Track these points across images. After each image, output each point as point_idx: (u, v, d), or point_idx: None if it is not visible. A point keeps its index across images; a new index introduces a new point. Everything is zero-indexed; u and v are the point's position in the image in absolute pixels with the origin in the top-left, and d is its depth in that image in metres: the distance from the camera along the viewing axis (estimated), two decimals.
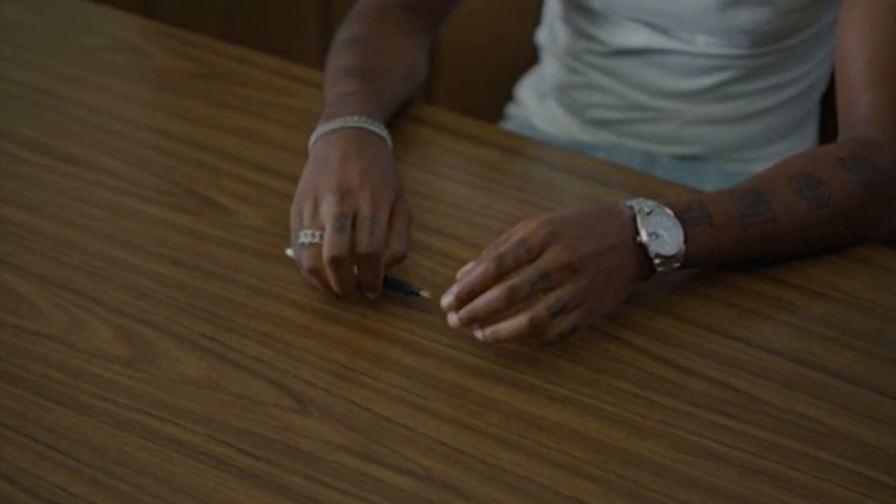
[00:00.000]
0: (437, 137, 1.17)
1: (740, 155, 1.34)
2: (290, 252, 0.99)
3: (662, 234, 0.94)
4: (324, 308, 0.96)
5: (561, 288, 0.90)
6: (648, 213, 0.94)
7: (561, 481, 0.84)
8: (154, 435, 0.86)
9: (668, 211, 0.95)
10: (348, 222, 0.94)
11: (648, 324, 0.96)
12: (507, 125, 1.44)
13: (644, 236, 0.94)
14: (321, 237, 0.94)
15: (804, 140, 1.36)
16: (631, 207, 0.95)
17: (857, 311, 0.99)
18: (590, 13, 1.31)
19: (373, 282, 0.95)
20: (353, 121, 1.02)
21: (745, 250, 0.98)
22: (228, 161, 1.12)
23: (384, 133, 1.04)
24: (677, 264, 0.95)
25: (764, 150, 1.33)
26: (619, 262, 0.93)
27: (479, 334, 0.91)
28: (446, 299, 0.91)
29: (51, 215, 1.05)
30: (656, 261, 0.94)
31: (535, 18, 1.43)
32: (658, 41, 1.27)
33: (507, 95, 1.49)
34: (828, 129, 1.38)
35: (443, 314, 0.92)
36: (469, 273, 0.91)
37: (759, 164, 1.30)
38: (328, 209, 0.95)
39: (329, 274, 0.94)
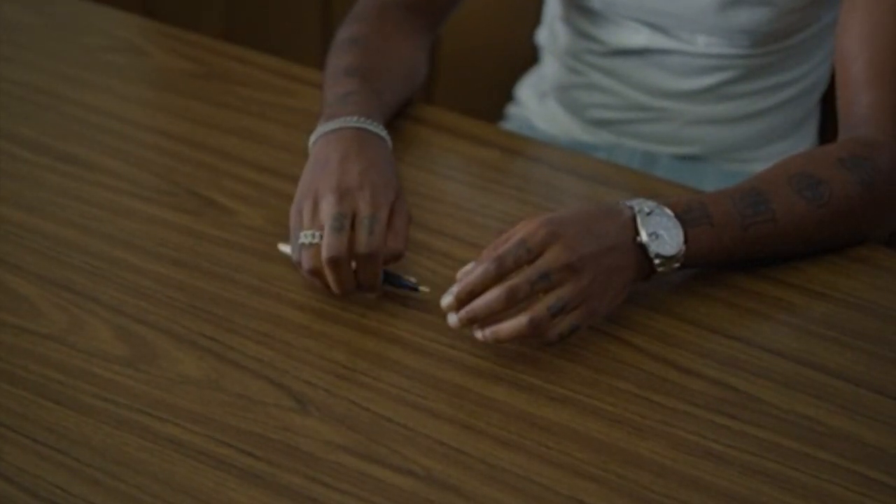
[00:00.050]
0: (437, 137, 1.17)
1: (740, 155, 1.34)
2: (283, 247, 0.99)
3: (662, 235, 0.94)
4: (324, 308, 0.96)
5: (561, 288, 0.90)
6: (648, 214, 0.94)
7: (561, 481, 0.84)
8: (154, 435, 0.86)
9: (668, 211, 0.95)
10: (347, 222, 0.94)
11: (648, 324, 0.96)
12: (507, 125, 1.44)
13: (644, 236, 0.94)
14: (321, 237, 0.94)
15: (804, 140, 1.36)
16: (631, 207, 0.95)
17: (857, 311, 0.99)
18: (590, 13, 1.31)
19: (372, 281, 0.95)
20: (353, 121, 1.02)
21: (745, 250, 0.98)
22: (228, 161, 1.12)
23: (384, 133, 1.04)
24: (677, 264, 0.95)
25: (764, 150, 1.33)
26: (619, 262, 0.93)
27: (478, 335, 0.91)
28: (446, 300, 0.91)
29: (51, 215, 1.05)
30: (656, 261, 0.94)
31: (535, 18, 1.43)
32: (658, 41, 1.27)
33: (507, 95, 1.49)
34: (828, 129, 1.38)
35: (443, 314, 0.92)
36: (469, 273, 0.91)
37: (759, 164, 1.30)
38: (327, 209, 0.95)
39: (328, 274, 0.94)
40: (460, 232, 1.05)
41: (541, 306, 0.90)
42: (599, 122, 1.36)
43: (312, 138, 1.03)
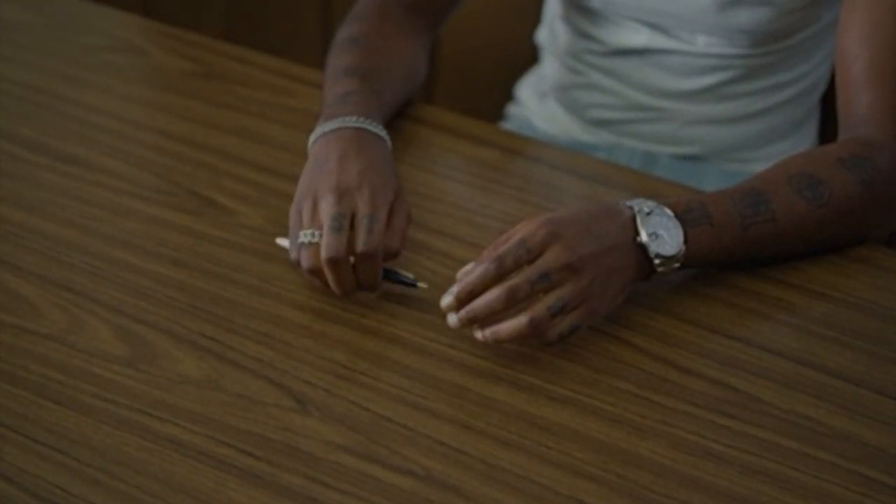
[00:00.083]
0: (437, 137, 1.17)
1: (740, 155, 1.34)
2: (280, 241, 0.99)
3: (662, 235, 0.94)
4: (324, 308, 0.96)
5: (561, 288, 0.90)
6: (648, 214, 0.94)
7: (561, 481, 0.84)
8: (154, 435, 0.86)
9: (668, 211, 0.95)
10: (346, 222, 0.94)
11: (648, 324, 0.96)
12: (507, 125, 1.44)
13: (644, 236, 0.94)
14: (320, 237, 0.94)
15: (804, 140, 1.36)
16: (631, 207, 0.95)
17: (857, 311, 0.99)
18: (590, 13, 1.31)
19: (371, 281, 0.95)
20: (353, 121, 1.02)
21: (745, 250, 0.98)
22: (228, 161, 1.12)
23: (383, 133, 1.04)
24: (677, 264, 0.95)
25: (764, 150, 1.33)
26: (619, 262, 0.93)
27: (478, 335, 0.91)
28: (446, 300, 0.91)
29: (51, 215, 1.05)
30: (656, 261, 0.94)
31: (535, 18, 1.43)
32: (658, 41, 1.27)
33: (507, 95, 1.49)
34: (828, 129, 1.38)
35: (442, 314, 0.92)
36: (469, 273, 0.91)
37: (759, 164, 1.30)
38: (327, 209, 0.95)
39: (327, 274, 0.94)
40: (460, 232, 1.05)
41: (541, 306, 0.90)
42: (599, 122, 1.36)
43: (312, 138, 1.03)
